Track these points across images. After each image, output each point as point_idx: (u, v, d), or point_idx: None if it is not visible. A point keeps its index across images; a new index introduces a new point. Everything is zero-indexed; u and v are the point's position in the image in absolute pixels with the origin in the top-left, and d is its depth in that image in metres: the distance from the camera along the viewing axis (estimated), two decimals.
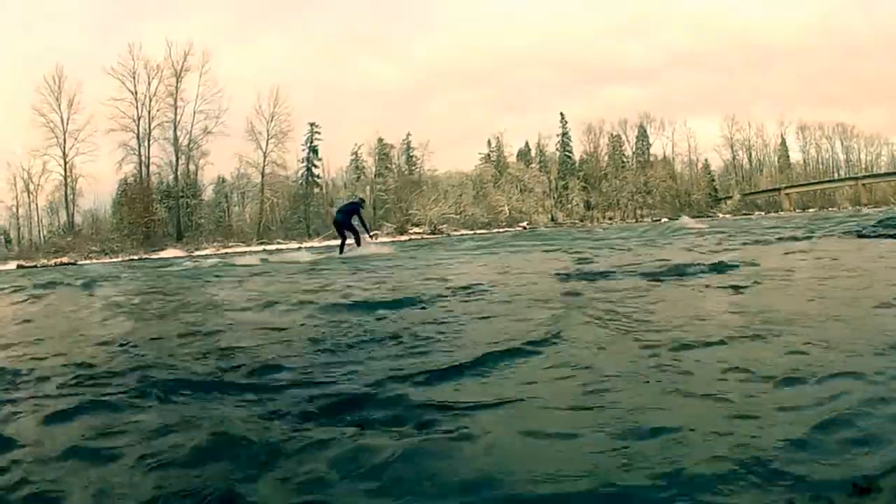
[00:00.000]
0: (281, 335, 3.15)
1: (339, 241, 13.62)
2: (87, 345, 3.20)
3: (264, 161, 48.16)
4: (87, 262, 34.84)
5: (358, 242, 13.33)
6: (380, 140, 53.57)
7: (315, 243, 31.74)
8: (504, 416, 1.74)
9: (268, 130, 47.78)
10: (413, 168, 54.80)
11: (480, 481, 1.33)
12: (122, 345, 3.06)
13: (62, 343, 3.35)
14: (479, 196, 53.75)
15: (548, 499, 1.28)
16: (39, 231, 45.76)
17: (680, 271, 4.99)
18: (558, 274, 5.53)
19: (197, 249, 39.60)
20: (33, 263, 35.32)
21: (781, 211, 53.96)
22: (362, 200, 14.93)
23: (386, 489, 1.32)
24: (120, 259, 36.10)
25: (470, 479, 1.34)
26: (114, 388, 2.17)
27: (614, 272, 5.27)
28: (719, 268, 5.01)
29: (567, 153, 58.79)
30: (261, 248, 34.29)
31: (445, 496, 1.29)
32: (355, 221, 13.36)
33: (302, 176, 51.00)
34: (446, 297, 4.29)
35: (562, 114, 59.05)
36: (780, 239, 9.70)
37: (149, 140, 44.86)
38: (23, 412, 1.97)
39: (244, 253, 23.30)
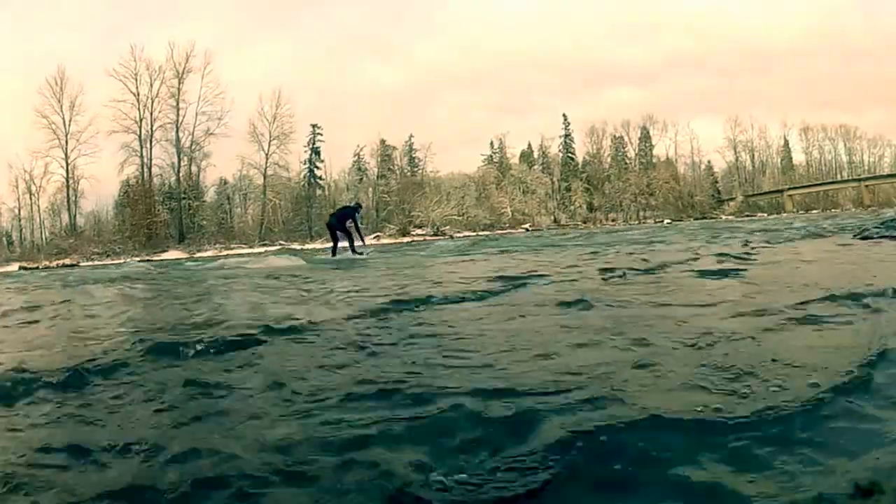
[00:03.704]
0: None
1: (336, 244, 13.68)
2: None
3: (266, 162, 48.38)
4: (90, 263, 34.91)
5: (352, 247, 13.25)
6: (382, 141, 53.75)
7: (319, 244, 31.81)
8: None
9: (270, 132, 47.97)
10: (415, 170, 54.91)
11: None
12: None
13: None
14: (482, 198, 53.81)
15: None
16: (41, 233, 45.98)
17: None
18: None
19: (199, 251, 39.69)
20: (35, 265, 35.44)
21: (784, 212, 53.84)
22: (359, 205, 14.87)
23: None
24: (122, 261, 36.14)
25: None
26: None
27: None
28: None
29: (570, 155, 58.86)
30: (262, 248, 34.44)
31: None
32: (349, 225, 13.36)
33: (304, 178, 51.11)
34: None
35: (564, 115, 59.26)
36: None
37: (151, 142, 45.09)
38: None
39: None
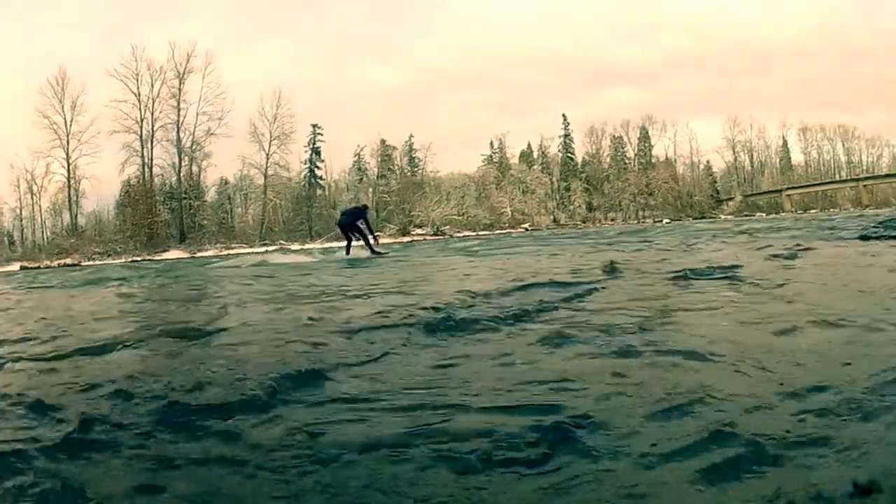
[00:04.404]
0: None
1: (344, 243, 14.13)
2: None
3: (267, 162, 48.32)
4: (91, 263, 35.00)
5: (368, 245, 13.65)
6: (382, 141, 53.66)
7: (318, 245, 31.90)
8: None
9: (270, 132, 47.93)
10: (416, 169, 54.79)
11: None
12: None
13: None
14: (482, 198, 53.76)
15: None
16: (43, 232, 45.86)
17: None
18: None
19: (200, 251, 39.74)
20: (37, 265, 35.48)
21: (783, 212, 53.96)
22: (366, 207, 15.25)
23: None
24: (123, 260, 36.24)
25: None
26: None
27: None
28: None
29: (569, 155, 58.81)
30: (263, 248, 34.49)
31: None
32: (362, 225, 13.78)
33: (304, 177, 51.08)
34: None
35: (564, 115, 59.11)
36: None
37: (152, 142, 45.01)
38: None
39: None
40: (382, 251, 13.70)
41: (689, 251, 8.66)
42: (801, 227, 16.64)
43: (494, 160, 57.55)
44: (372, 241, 13.86)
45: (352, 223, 13.88)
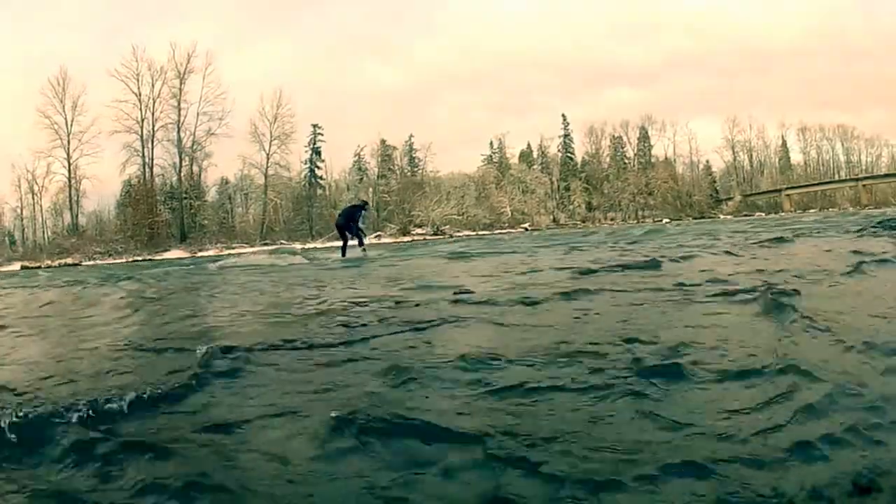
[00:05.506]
0: None
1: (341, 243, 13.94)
2: None
3: (267, 162, 48.35)
4: (92, 263, 35.06)
5: (352, 242, 13.53)
6: (382, 141, 53.67)
7: (319, 244, 31.97)
8: None
9: (271, 132, 47.97)
10: (416, 169, 54.80)
11: None
12: None
13: None
14: (482, 197, 53.79)
15: None
16: (44, 232, 45.87)
17: None
18: None
19: (200, 250, 39.78)
20: (37, 264, 35.53)
21: (782, 212, 54.03)
22: (365, 203, 15.15)
23: None
24: (124, 260, 36.31)
25: None
26: None
27: None
28: None
29: (569, 154, 58.81)
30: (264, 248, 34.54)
31: None
32: (358, 223, 13.65)
33: (305, 177, 51.11)
34: None
35: (563, 115, 59.09)
36: None
37: (152, 142, 45.03)
38: None
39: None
40: (364, 250, 13.46)
41: None
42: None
43: (494, 160, 57.56)
44: (352, 241, 13.65)
45: (348, 223, 13.70)
